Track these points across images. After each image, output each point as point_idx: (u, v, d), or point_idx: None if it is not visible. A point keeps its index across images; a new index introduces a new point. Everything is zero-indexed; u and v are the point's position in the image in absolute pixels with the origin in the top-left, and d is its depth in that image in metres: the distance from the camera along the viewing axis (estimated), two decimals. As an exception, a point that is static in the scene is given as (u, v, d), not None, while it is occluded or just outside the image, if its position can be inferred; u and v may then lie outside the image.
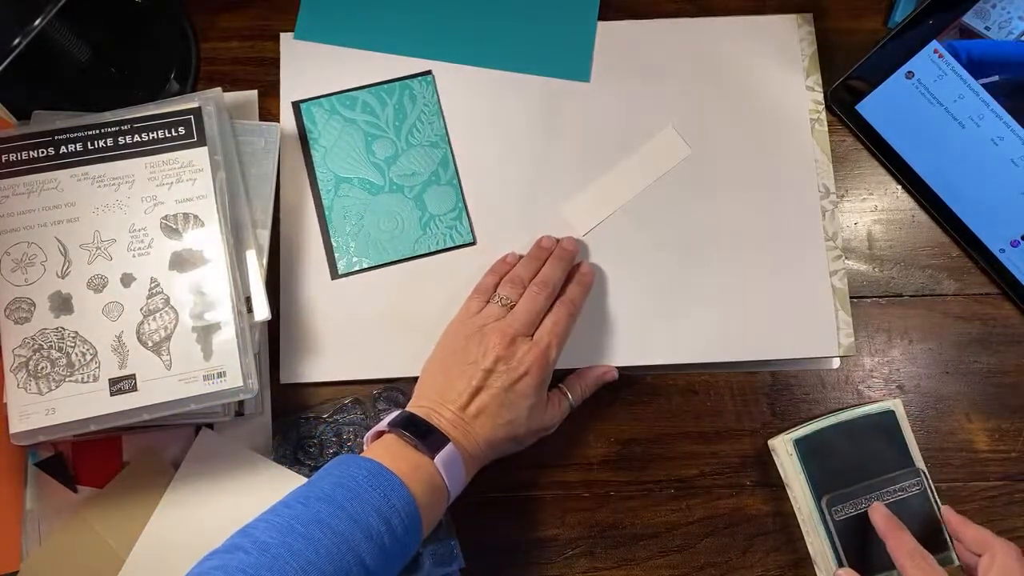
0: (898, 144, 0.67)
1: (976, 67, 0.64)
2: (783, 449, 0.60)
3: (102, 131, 0.60)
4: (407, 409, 0.55)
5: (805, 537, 0.60)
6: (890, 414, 0.61)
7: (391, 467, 0.50)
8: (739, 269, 0.65)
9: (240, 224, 0.60)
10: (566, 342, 0.59)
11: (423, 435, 0.52)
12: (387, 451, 0.52)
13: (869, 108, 0.67)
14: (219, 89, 0.62)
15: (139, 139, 0.60)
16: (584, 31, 0.69)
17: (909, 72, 0.66)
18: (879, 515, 0.56)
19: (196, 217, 0.59)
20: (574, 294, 0.61)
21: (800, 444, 0.59)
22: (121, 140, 0.60)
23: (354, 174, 0.66)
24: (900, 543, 0.54)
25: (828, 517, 0.58)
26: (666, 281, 0.65)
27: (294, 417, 0.62)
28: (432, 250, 0.65)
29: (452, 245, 0.65)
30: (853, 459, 0.60)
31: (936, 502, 0.59)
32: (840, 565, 0.57)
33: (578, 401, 0.61)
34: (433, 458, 0.51)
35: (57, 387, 0.55)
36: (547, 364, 0.56)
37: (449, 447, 0.52)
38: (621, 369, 0.64)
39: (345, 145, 0.67)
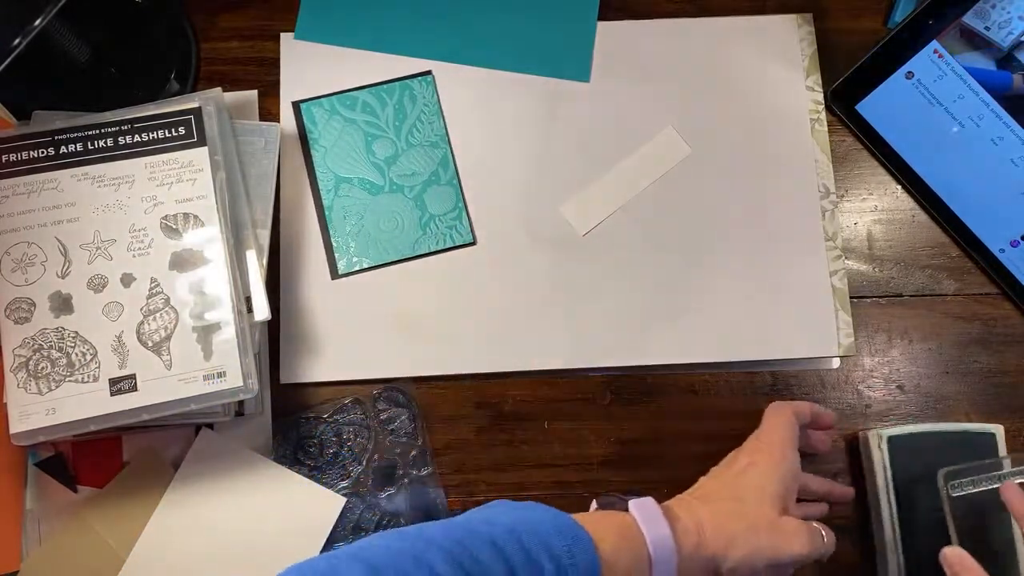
0: (898, 144, 0.67)
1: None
2: (874, 443, 0.60)
3: (102, 131, 0.60)
4: None
5: (875, 532, 0.60)
6: (990, 436, 0.61)
7: (586, 525, 0.45)
8: (739, 269, 0.65)
9: (240, 224, 0.60)
10: (797, 445, 0.54)
11: (626, 493, 0.49)
12: (587, 515, 0.48)
13: (869, 108, 0.67)
14: (219, 89, 0.62)
15: (139, 139, 0.60)
16: (584, 31, 0.69)
17: (909, 72, 0.66)
18: (1013, 493, 0.52)
19: (196, 217, 0.59)
20: (802, 403, 0.57)
21: (892, 441, 0.60)
22: (121, 140, 0.60)
23: (354, 174, 0.66)
24: None
25: (945, 492, 0.55)
26: (666, 281, 0.65)
27: (294, 417, 0.62)
28: (432, 250, 0.65)
29: (452, 245, 0.65)
30: (939, 469, 0.59)
31: None
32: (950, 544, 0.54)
33: (829, 548, 0.52)
34: (627, 508, 0.47)
35: (57, 387, 0.55)
36: (774, 454, 0.52)
37: (648, 500, 0.48)
38: (621, 369, 0.64)
39: (345, 145, 0.67)
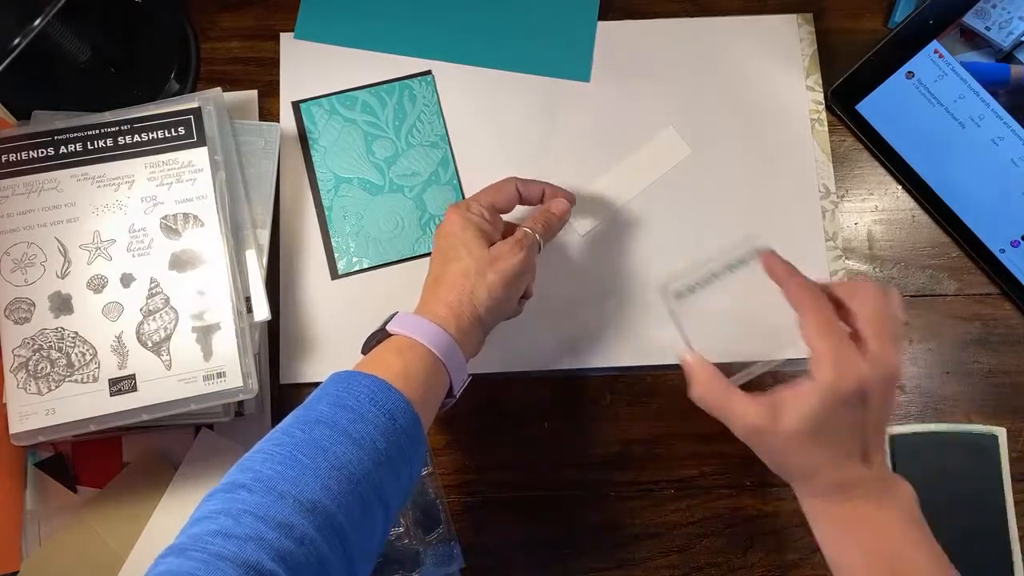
0: (898, 144, 0.67)
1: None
2: None
3: (102, 131, 0.60)
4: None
5: None
6: (993, 438, 0.61)
7: (379, 370, 0.47)
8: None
9: (240, 224, 0.60)
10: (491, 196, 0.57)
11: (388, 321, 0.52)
12: (372, 358, 0.50)
13: (869, 108, 0.67)
14: (219, 89, 0.62)
15: (139, 139, 0.60)
16: (584, 31, 0.69)
17: (909, 72, 0.66)
18: (773, 261, 0.49)
19: (196, 217, 0.59)
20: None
21: (895, 441, 0.60)
22: (121, 140, 0.60)
23: (354, 174, 0.66)
24: (798, 286, 0.47)
25: (667, 296, 0.52)
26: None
27: (294, 417, 0.62)
28: (432, 250, 0.65)
29: (452, 245, 0.65)
30: (940, 470, 0.59)
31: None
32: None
33: (543, 234, 0.57)
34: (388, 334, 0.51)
35: (57, 387, 0.55)
36: (455, 206, 0.56)
37: (400, 314, 0.51)
38: (621, 369, 0.64)
39: (345, 145, 0.67)
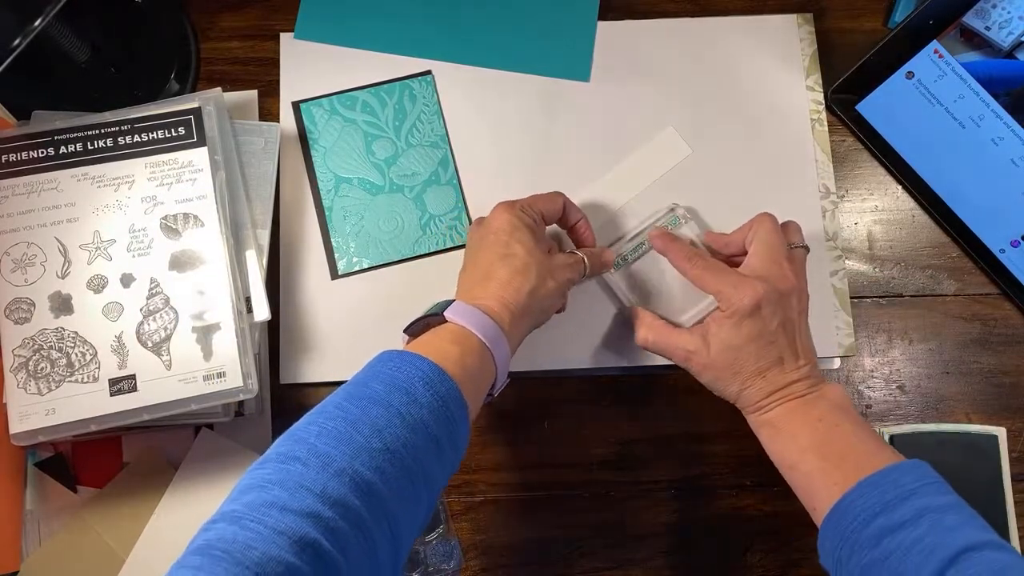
0: (898, 144, 0.67)
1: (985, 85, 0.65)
2: None
3: (102, 131, 0.60)
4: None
5: None
6: (993, 438, 0.61)
7: (435, 357, 0.47)
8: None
9: (240, 224, 0.60)
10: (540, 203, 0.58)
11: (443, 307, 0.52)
12: (427, 343, 0.50)
13: (869, 108, 0.67)
14: (219, 89, 0.62)
15: (139, 139, 0.60)
16: (584, 31, 0.69)
17: (909, 72, 0.66)
18: (656, 235, 0.60)
19: (196, 217, 0.59)
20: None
21: (894, 440, 0.60)
22: (121, 140, 0.60)
23: (354, 174, 0.66)
24: (678, 250, 0.58)
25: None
26: (666, 280, 0.65)
27: (294, 417, 0.62)
28: (432, 250, 0.65)
29: (452, 245, 0.65)
30: (940, 470, 0.59)
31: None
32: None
33: (595, 268, 0.60)
34: (443, 319, 0.51)
35: (57, 387, 0.55)
36: (507, 204, 0.56)
37: (457, 303, 0.51)
38: (621, 369, 0.64)
39: (345, 145, 0.67)
